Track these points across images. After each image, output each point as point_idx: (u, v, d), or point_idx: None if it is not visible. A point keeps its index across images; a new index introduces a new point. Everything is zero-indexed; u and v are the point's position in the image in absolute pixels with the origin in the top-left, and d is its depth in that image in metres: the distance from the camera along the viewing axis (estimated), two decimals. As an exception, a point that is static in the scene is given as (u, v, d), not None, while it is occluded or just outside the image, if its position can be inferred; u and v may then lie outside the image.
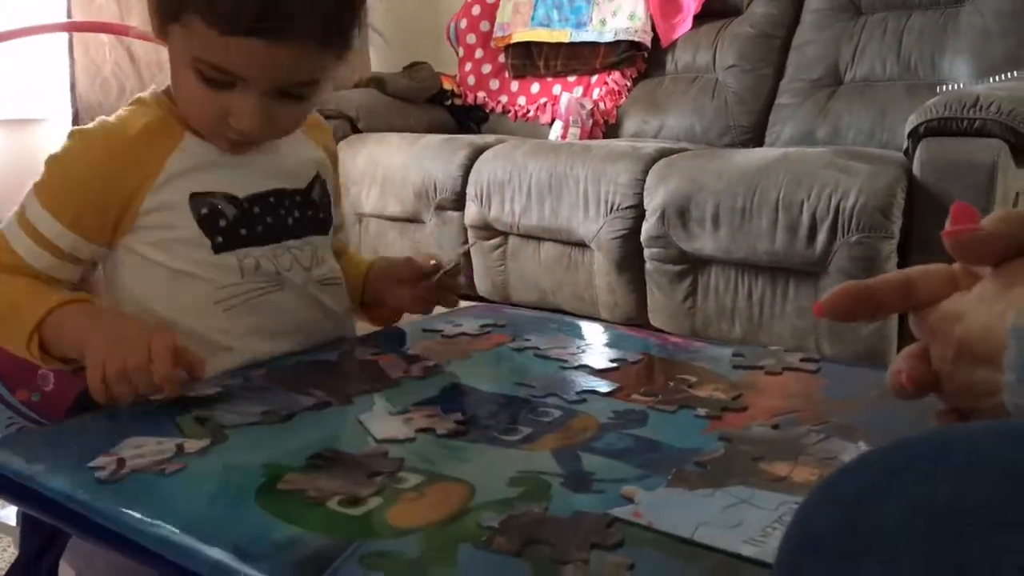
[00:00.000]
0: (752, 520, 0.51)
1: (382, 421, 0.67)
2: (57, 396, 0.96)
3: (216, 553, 0.49)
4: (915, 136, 2.08)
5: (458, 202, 2.85)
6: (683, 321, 2.40)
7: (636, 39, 3.18)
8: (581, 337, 0.92)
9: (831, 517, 0.34)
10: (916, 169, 2.06)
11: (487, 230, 2.80)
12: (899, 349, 2.07)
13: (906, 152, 2.12)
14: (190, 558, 0.49)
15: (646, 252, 2.42)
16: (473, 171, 2.82)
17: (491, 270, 2.83)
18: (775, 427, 0.66)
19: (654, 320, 2.47)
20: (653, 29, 3.18)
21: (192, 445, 0.62)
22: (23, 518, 0.65)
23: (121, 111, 0.85)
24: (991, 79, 2.34)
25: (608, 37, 3.23)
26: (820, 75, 2.81)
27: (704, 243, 2.30)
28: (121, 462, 0.59)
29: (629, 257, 2.47)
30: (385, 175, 3.03)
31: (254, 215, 0.85)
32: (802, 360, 0.82)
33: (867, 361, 2.11)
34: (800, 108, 2.81)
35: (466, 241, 2.82)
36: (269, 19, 0.72)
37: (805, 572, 0.34)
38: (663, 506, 0.53)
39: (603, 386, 0.75)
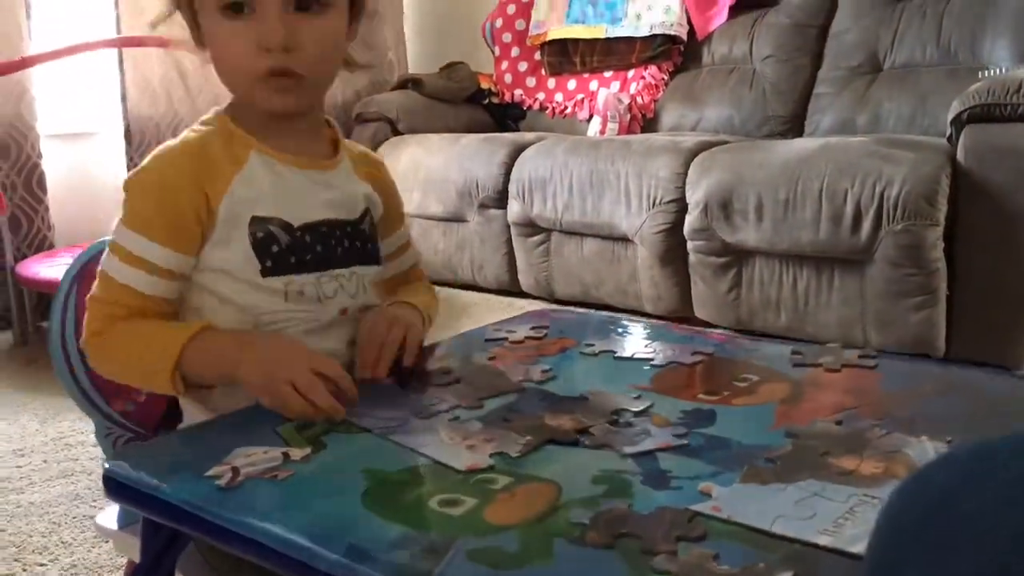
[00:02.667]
0: (824, 512, 0.55)
1: (456, 453, 0.68)
2: (149, 406, 1.03)
3: (336, 552, 0.54)
4: (958, 123, 2.09)
5: (500, 200, 2.90)
6: (728, 313, 2.43)
7: (672, 32, 3.20)
8: (641, 337, 0.97)
9: (923, 506, 0.38)
10: (960, 156, 2.07)
11: (530, 227, 2.85)
12: (948, 337, 2.07)
13: (949, 139, 2.13)
14: (312, 557, 0.55)
15: (689, 245, 2.46)
16: (514, 169, 2.86)
17: (534, 266, 2.87)
18: (838, 423, 0.70)
19: (699, 313, 2.50)
20: (688, 22, 3.20)
21: (296, 453, 0.68)
22: (144, 524, 0.70)
23: (189, 131, 0.90)
24: (1033, 62, 2.34)
25: (644, 31, 3.25)
26: (859, 63, 2.82)
27: (748, 235, 2.32)
28: (236, 471, 0.64)
29: (672, 251, 2.50)
30: (427, 176, 3.09)
31: (305, 243, 0.89)
32: (860, 357, 0.85)
33: (915, 349, 2.12)
34: (839, 97, 2.82)
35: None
36: None
37: (899, 558, 0.38)
38: (739, 500, 0.58)
39: (669, 388, 0.80)
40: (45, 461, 1.84)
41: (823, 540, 0.52)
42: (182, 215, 0.85)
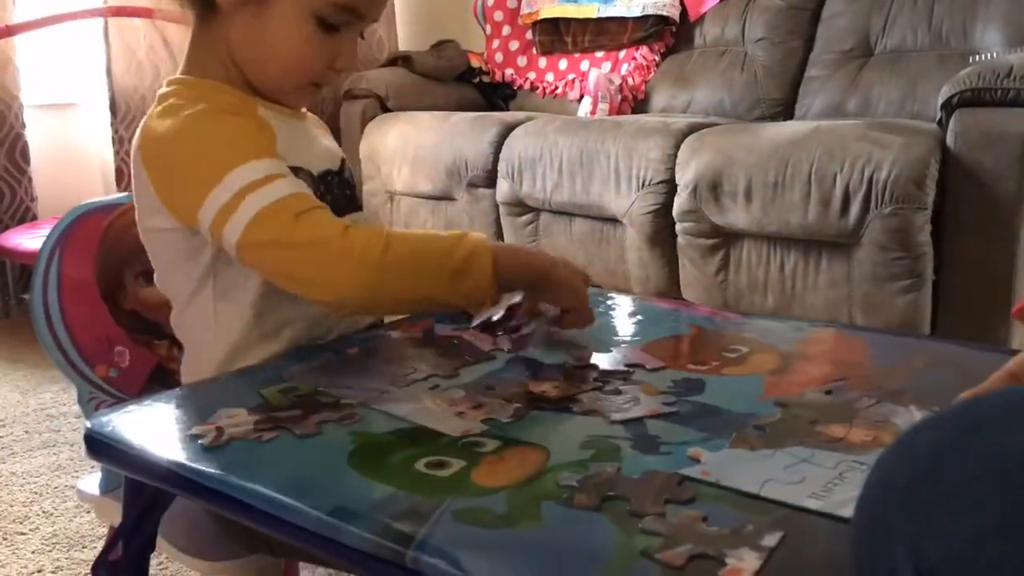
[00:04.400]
0: (813, 477, 0.55)
1: (447, 419, 0.67)
2: (133, 372, 1.02)
3: (320, 510, 0.53)
4: (948, 107, 2.08)
5: (489, 179, 2.89)
6: (716, 295, 2.43)
7: (664, 13, 3.19)
8: (632, 312, 0.96)
9: (911, 469, 0.38)
10: (949, 140, 2.07)
11: (519, 206, 2.83)
12: (933, 320, 2.06)
13: (939, 123, 2.13)
14: (296, 515, 0.54)
15: (678, 227, 2.45)
16: (504, 148, 2.85)
17: (524, 245, 2.86)
18: (828, 392, 0.69)
19: (686, 294, 2.50)
20: (681, 3, 3.19)
21: (281, 415, 0.67)
22: (126, 484, 0.69)
23: (182, 96, 0.83)
24: (1024, 48, 2.34)
25: (636, 12, 3.23)
26: (850, 47, 2.81)
27: (736, 217, 2.32)
28: (220, 430, 0.64)
29: (661, 232, 2.50)
30: (416, 153, 3.07)
31: (320, 192, 0.87)
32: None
33: (901, 331, 2.13)
34: (830, 80, 2.81)
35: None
36: None
37: (888, 520, 0.37)
38: (728, 465, 0.57)
39: (659, 358, 0.79)
40: (27, 432, 1.83)
41: (812, 504, 0.52)
42: (268, 134, 0.82)
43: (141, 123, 0.84)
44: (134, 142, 0.84)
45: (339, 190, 0.92)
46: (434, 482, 0.57)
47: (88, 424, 0.67)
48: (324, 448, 0.62)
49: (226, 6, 0.83)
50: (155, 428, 0.67)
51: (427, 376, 0.75)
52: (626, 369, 0.76)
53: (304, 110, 0.95)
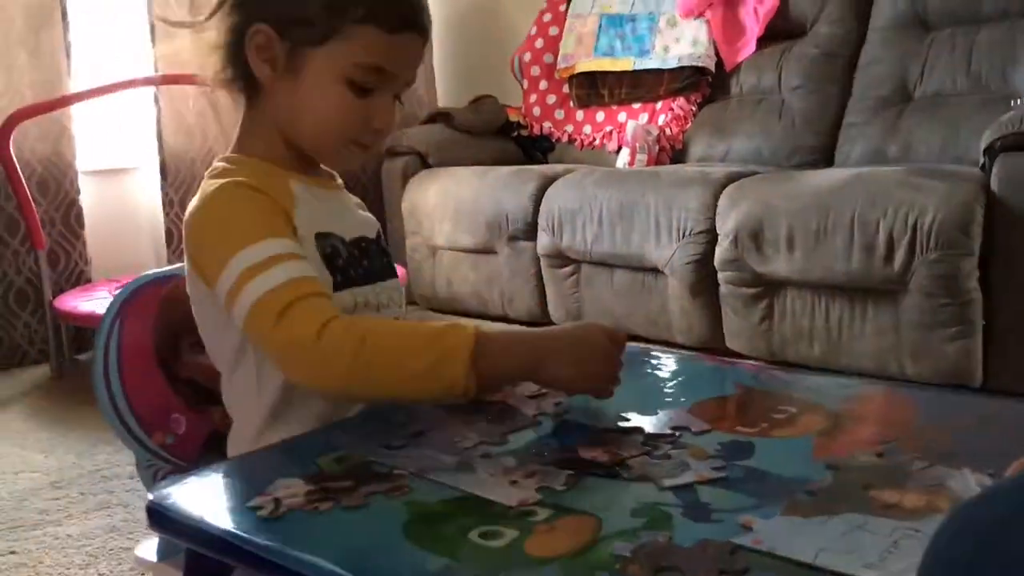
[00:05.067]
0: (869, 545, 0.55)
1: (502, 488, 0.67)
2: (189, 438, 1.04)
3: (378, 584, 0.54)
4: (991, 151, 2.07)
5: (530, 232, 2.92)
6: (760, 344, 2.41)
7: (700, 64, 3.22)
8: (676, 371, 0.97)
9: (972, 542, 0.38)
10: (994, 185, 2.05)
11: (560, 259, 2.85)
12: (985, 366, 2.04)
13: (983, 168, 2.12)
14: (354, 588, 0.55)
15: (720, 276, 2.45)
16: (544, 201, 2.88)
17: (565, 298, 2.88)
18: (879, 455, 0.69)
19: (731, 344, 2.48)
20: (716, 53, 3.21)
21: (336, 484, 0.68)
22: (187, 557, 0.71)
23: (221, 172, 0.88)
24: (1066, 90, 2.32)
25: (672, 63, 3.27)
26: (888, 93, 2.81)
27: (779, 265, 2.31)
28: (277, 502, 0.65)
29: (703, 281, 2.50)
30: (457, 208, 3.11)
31: (355, 256, 0.93)
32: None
33: (952, 380, 2.10)
34: (869, 127, 2.81)
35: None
36: (418, 15, 0.88)
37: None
38: (781, 533, 0.57)
39: (706, 420, 0.80)
40: (82, 493, 1.86)
41: (868, 574, 0.52)
42: (282, 212, 0.85)
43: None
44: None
45: (377, 257, 0.96)
46: (488, 553, 0.57)
47: (150, 496, 0.69)
48: (379, 519, 0.63)
49: (266, 82, 0.89)
50: (214, 499, 0.69)
51: (476, 444, 0.76)
52: (672, 433, 0.77)
53: (342, 187, 0.99)
